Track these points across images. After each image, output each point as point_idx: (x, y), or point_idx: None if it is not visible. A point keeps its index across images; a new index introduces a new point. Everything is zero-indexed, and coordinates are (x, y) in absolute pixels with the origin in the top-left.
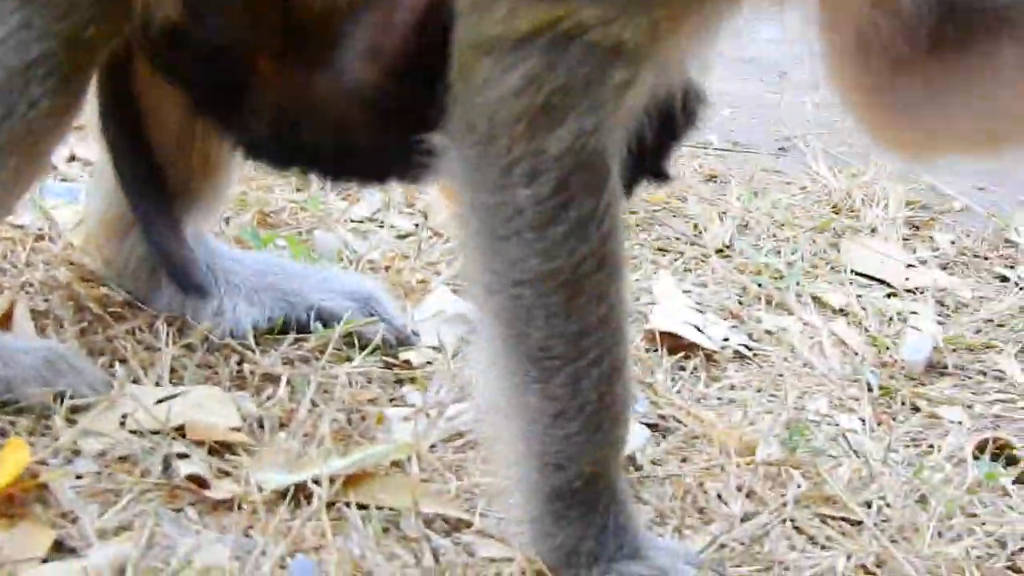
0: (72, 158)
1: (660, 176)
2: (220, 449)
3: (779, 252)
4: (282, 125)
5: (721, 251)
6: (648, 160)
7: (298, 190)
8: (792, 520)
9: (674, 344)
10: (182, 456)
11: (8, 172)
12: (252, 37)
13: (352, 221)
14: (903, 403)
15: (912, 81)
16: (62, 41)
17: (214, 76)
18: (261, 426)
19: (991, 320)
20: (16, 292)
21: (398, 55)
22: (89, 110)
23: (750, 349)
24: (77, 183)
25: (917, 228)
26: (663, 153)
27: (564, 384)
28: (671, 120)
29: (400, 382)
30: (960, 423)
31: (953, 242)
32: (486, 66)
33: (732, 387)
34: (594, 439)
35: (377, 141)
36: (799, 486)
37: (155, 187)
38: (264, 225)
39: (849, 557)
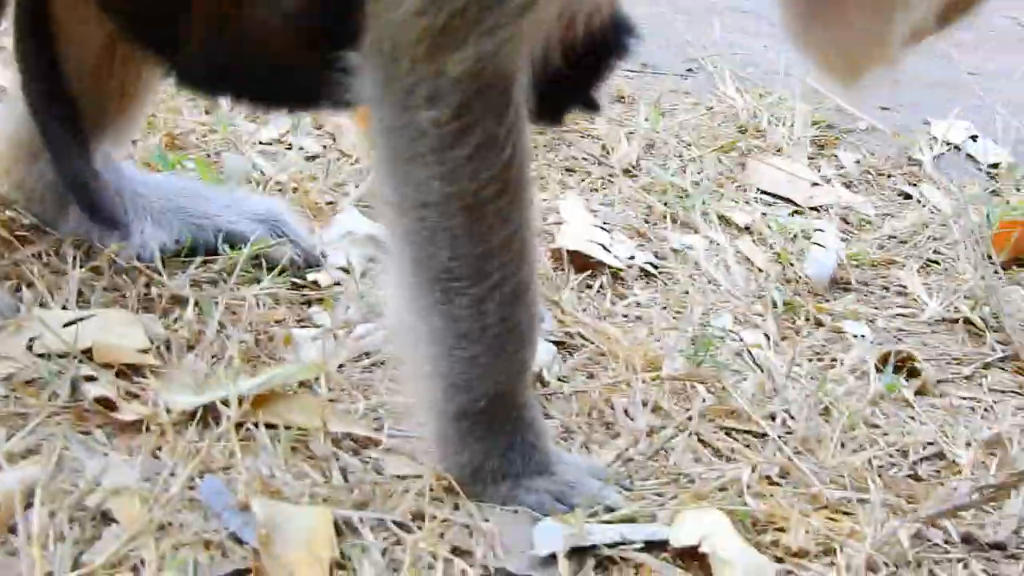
0: None
1: (589, 105)
2: (128, 371)
3: (685, 172)
4: (214, 50)
5: (628, 171)
6: (577, 89)
7: (206, 112)
8: (697, 433)
9: (581, 263)
10: (90, 379)
11: None
12: None
13: (260, 143)
14: (807, 318)
15: None
16: None
17: (146, 2)
18: (169, 348)
19: (894, 237)
20: None
21: None
22: (6, 33)
23: (656, 267)
24: None
25: (822, 147)
26: (592, 82)
27: (468, 306)
28: (599, 50)
29: (308, 303)
30: (863, 337)
31: (857, 161)
32: None
33: (638, 304)
34: (498, 361)
35: (307, 64)
36: (704, 400)
37: (67, 113)
38: (172, 148)
39: (754, 469)
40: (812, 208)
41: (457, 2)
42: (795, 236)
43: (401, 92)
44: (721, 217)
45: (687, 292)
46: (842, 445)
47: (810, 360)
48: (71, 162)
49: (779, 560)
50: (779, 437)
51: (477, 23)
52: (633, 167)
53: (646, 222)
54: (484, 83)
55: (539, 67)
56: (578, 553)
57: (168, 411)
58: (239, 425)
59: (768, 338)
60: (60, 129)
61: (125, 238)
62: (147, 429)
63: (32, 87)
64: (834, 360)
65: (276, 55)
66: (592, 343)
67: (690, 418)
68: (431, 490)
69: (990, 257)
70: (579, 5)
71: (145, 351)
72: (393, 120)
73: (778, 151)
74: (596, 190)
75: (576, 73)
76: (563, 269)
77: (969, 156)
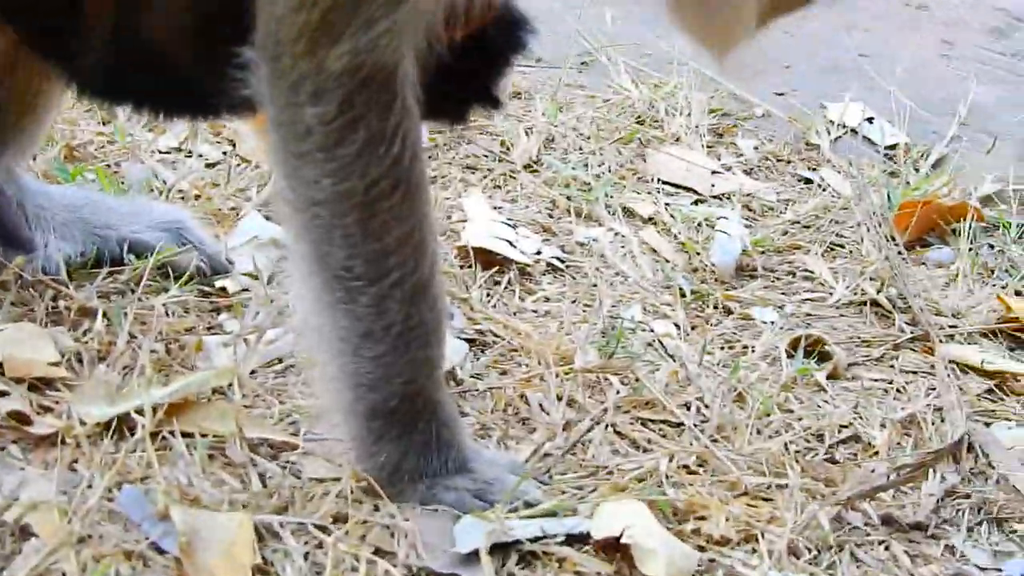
0: None
1: (491, 102)
2: (40, 385)
3: (586, 165)
4: (112, 58)
5: (529, 166)
6: (477, 86)
7: (105, 123)
8: (613, 425)
9: (487, 259)
10: (2, 394)
11: None
12: None
13: (160, 152)
14: (715, 306)
15: None
16: None
17: (45, 9)
18: (80, 360)
19: (797, 222)
20: None
21: None
22: None
23: (563, 261)
24: None
25: (720, 135)
26: (491, 78)
27: (369, 305)
28: (495, 45)
29: (217, 310)
30: (772, 323)
31: (756, 147)
32: None
33: (547, 299)
34: (403, 359)
35: (204, 69)
36: (618, 392)
37: None
38: (71, 159)
39: (671, 458)
40: (714, 196)
41: None
42: (699, 225)
43: (287, 89)
44: (624, 209)
45: (595, 285)
46: (758, 431)
47: (721, 348)
48: None
49: (701, 548)
50: (695, 426)
51: (353, 16)
52: (534, 162)
53: (550, 216)
54: (366, 77)
55: (431, 62)
56: (500, 549)
57: (82, 423)
58: (155, 434)
59: (678, 327)
60: None
61: (29, 252)
62: (62, 442)
63: None
64: (745, 347)
65: (173, 61)
66: (503, 339)
67: (605, 410)
68: (351, 492)
69: (893, 238)
70: None
71: (56, 364)
72: (281, 117)
73: (677, 140)
74: (499, 187)
75: (474, 70)
76: (470, 266)
77: (866, 138)
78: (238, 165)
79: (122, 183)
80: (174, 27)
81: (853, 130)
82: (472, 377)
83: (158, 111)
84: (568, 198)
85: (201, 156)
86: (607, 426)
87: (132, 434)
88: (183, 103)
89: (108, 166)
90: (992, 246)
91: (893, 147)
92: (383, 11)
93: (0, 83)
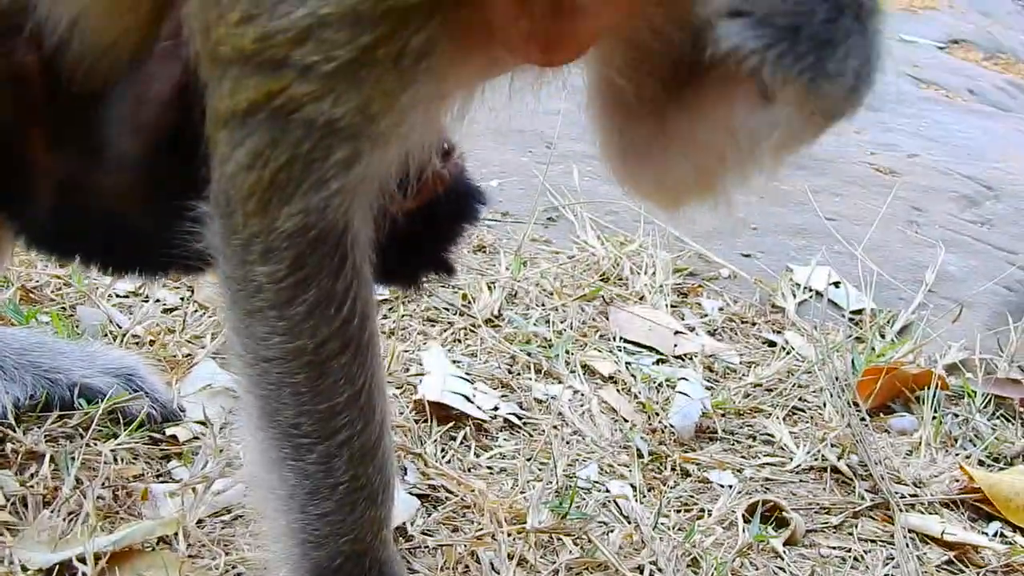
0: None
1: (444, 269)
2: None
3: (548, 321)
4: (61, 215)
5: (490, 321)
6: (430, 253)
7: (61, 265)
8: None
9: (443, 414)
10: None
11: None
12: (19, 117)
13: (117, 296)
14: (673, 468)
15: (643, 129)
16: None
17: None
18: (25, 504)
19: (759, 384)
20: None
21: (158, 127)
22: None
23: (520, 418)
24: None
25: (685, 295)
26: (445, 246)
27: (317, 463)
28: (450, 215)
29: (167, 458)
30: (730, 487)
31: (721, 309)
32: (223, 140)
33: (502, 456)
34: (350, 519)
35: (153, 226)
36: (571, 552)
37: None
38: (27, 301)
39: None
40: (676, 356)
41: (282, 157)
42: (660, 385)
43: (239, 246)
44: (585, 366)
45: (551, 443)
46: None
47: (677, 511)
48: None
49: None
50: None
51: (304, 177)
52: (495, 317)
53: (509, 372)
54: (316, 238)
55: (384, 227)
56: None
57: (24, 569)
58: None
59: (634, 489)
60: None
61: None
62: None
63: None
64: (702, 511)
65: (121, 220)
66: (456, 496)
67: (557, 572)
68: None
69: (856, 404)
70: (410, 158)
71: (1, 508)
72: (234, 273)
73: (640, 299)
74: (459, 340)
75: (428, 237)
76: (426, 421)
77: (832, 302)
78: (195, 311)
79: (76, 327)
80: (123, 186)
81: (819, 293)
82: (423, 534)
83: (107, 267)
84: (528, 354)
85: (159, 301)
86: None
87: None
88: (132, 261)
89: (63, 309)
90: (956, 415)
91: (859, 312)
92: (334, 172)
93: None
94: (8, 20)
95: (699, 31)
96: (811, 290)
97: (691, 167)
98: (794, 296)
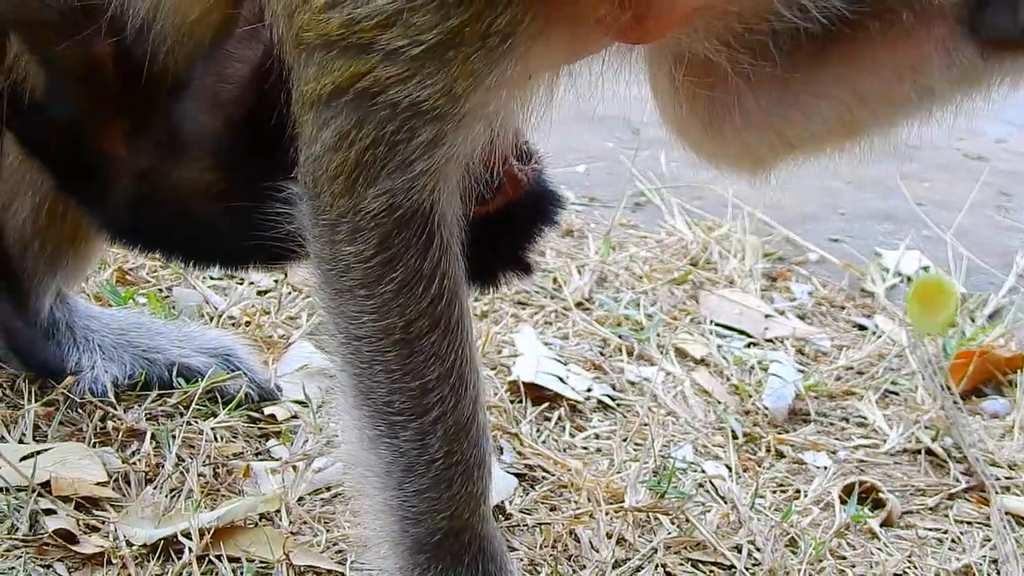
0: None
1: (521, 268)
2: (87, 504)
3: (638, 304)
4: (139, 208)
5: (581, 304)
6: (509, 253)
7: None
8: (663, 565)
9: (538, 395)
10: (49, 512)
11: None
12: (95, 109)
13: (212, 278)
14: (768, 449)
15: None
16: None
17: (71, 158)
18: (127, 481)
19: (851, 368)
20: None
21: (237, 105)
22: None
23: (613, 399)
24: None
25: (774, 280)
26: (521, 247)
27: (411, 439)
28: (528, 218)
29: (265, 436)
30: (825, 468)
31: (810, 293)
32: (309, 122)
33: (597, 436)
34: (446, 494)
35: (231, 218)
36: (668, 532)
37: None
38: (124, 283)
39: None
40: (767, 340)
41: (367, 138)
42: (751, 368)
43: (326, 226)
44: (676, 349)
45: (646, 424)
46: None
47: (773, 491)
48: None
49: None
50: (746, 569)
51: (388, 159)
52: (586, 300)
53: (601, 354)
54: (402, 218)
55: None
56: None
57: (129, 544)
58: (201, 558)
59: (730, 469)
60: None
61: (77, 370)
62: (108, 562)
63: None
64: (797, 491)
65: (200, 216)
66: (553, 475)
67: (655, 550)
68: None
69: (949, 388)
70: (494, 138)
71: (104, 484)
72: (323, 253)
73: (730, 283)
74: (550, 323)
75: (507, 239)
76: (520, 401)
77: None
78: (289, 293)
79: (173, 308)
80: (201, 174)
81: (909, 278)
82: (521, 512)
83: (188, 260)
84: (620, 337)
85: (252, 283)
86: (657, 566)
87: (179, 557)
88: (212, 253)
89: (160, 291)
90: None
91: None
92: (419, 153)
93: (52, 215)
94: (84, 10)
95: None
96: (900, 274)
97: (810, 124)
98: (883, 280)
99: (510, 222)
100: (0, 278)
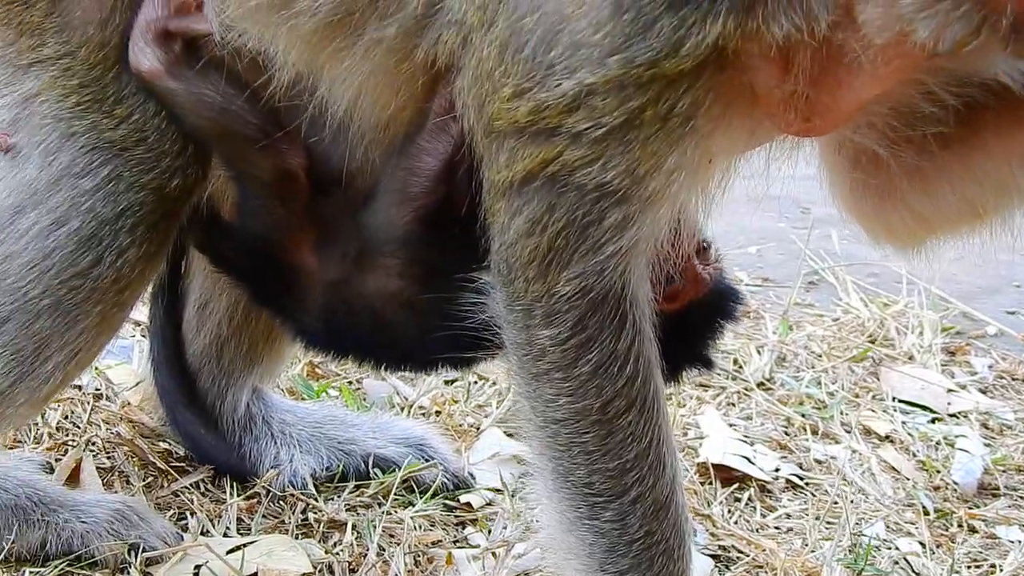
0: None
1: (702, 362)
2: None
3: (820, 383)
4: (332, 319)
5: (762, 384)
6: (692, 349)
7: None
8: None
9: (727, 476)
10: None
11: (93, 319)
12: (286, 220)
13: None
14: (960, 525)
15: (905, 176)
16: (149, 192)
17: (263, 273)
18: (331, 571)
19: None
20: (81, 450)
21: (427, 199)
22: None
23: (801, 478)
24: (128, 342)
25: (953, 354)
26: (704, 342)
27: (612, 520)
28: (709, 315)
29: (462, 524)
30: (1020, 542)
31: (990, 366)
32: (502, 210)
33: (788, 516)
34: (648, 574)
35: (422, 316)
36: None
37: (178, 370)
38: (315, 376)
39: None
40: (951, 415)
41: (559, 223)
42: (937, 443)
43: (521, 311)
44: (861, 426)
45: (836, 502)
46: None
47: (968, 567)
48: (186, 423)
49: None
50: None
51: (580, 242)
52: (767, 380)
53: (786, 434)
54: (596, 299)
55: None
56: None
57: None
58: None
59: (923, 546)
60: (171, 385)
61: (276, 464)
62: None
63: (153, 349)
64: (993, 566)
65: (391, 326)
66: (748, 555)
67: None
68: None
69: None
70: (678, 222)
71: (309, 575)
72: (518, 339)
73: (909, 359)
74: (733, 404)
75: (688, 335)
76: (710, 483)
77: None
78: (475, 382)
79: (364, 400)
80: (390, 287)
81: None
82: None
83: (379, 365)
84: (803, 416)
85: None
86: None
87: None
88: (402, 359)
89: (350, 383)
90: None
91: None
92: (609, 236)
93: (247, 316)
94: (279, 120)
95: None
96: None
97: (953, 203)
98: None
99: (692, 319)
100: (181, 385)
